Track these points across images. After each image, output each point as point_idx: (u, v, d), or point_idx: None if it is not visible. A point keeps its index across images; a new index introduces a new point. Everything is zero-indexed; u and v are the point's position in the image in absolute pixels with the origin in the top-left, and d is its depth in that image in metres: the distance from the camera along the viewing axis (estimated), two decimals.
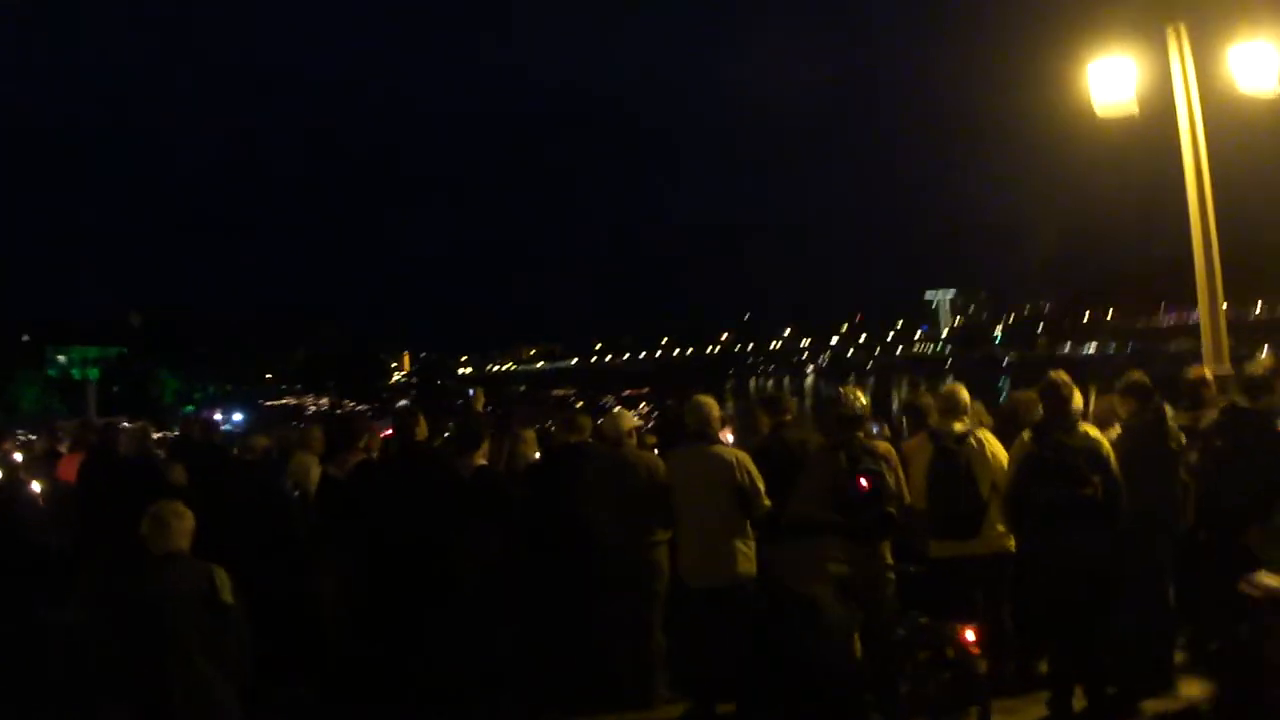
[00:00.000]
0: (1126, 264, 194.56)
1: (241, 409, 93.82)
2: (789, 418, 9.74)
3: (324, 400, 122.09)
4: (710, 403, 9.02)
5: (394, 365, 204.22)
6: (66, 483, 12.11)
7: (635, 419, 9.72)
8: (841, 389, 8.62)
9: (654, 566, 8.98)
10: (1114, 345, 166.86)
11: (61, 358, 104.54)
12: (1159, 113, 11.84)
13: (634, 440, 9.53)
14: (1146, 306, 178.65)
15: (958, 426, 8.86)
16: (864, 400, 8.45)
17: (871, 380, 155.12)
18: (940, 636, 7.64)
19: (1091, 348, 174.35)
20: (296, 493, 10.33)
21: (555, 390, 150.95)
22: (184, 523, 6.70)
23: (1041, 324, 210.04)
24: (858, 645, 7.96)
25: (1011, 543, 8.54)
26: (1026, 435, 8.25)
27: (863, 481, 7.99)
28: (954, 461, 8.61)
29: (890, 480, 8.17)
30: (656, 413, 32.17)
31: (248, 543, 8.92)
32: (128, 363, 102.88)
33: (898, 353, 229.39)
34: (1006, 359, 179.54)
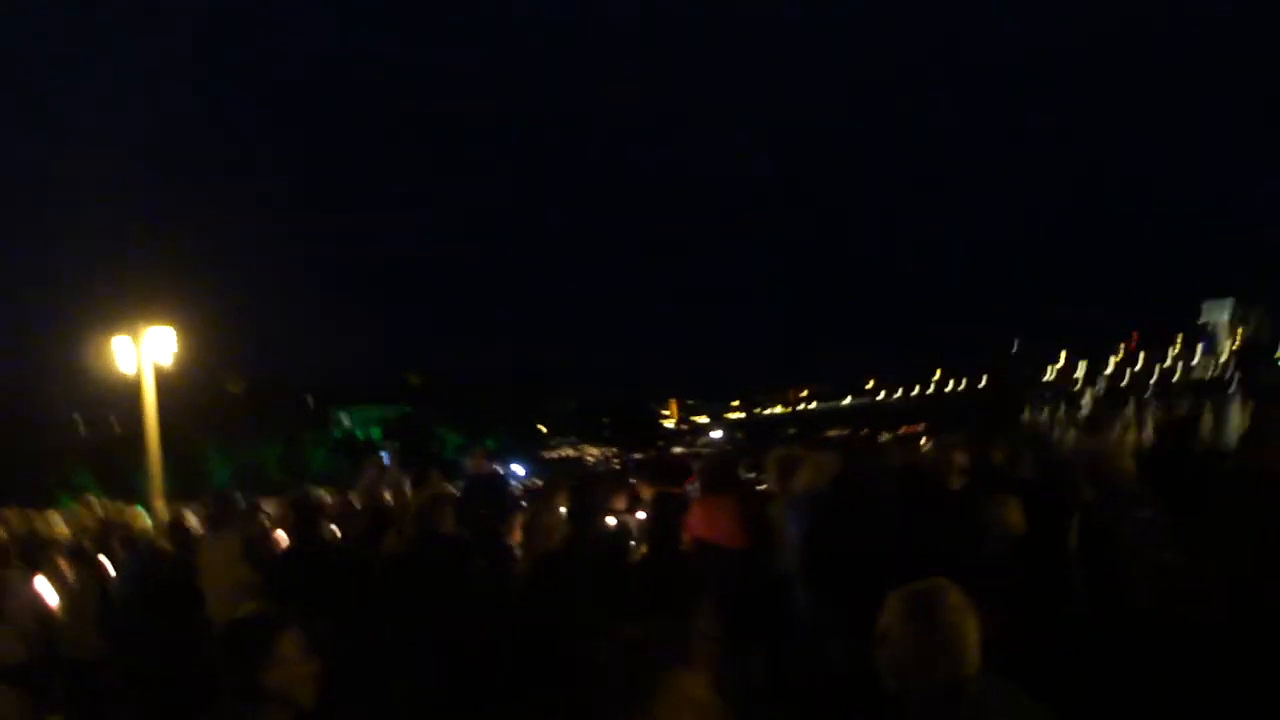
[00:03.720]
0: None
1: (522, 461, 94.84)
2: None
3: (605, 450, 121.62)
4: None
5: (664, 412, 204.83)
6: None
7: None
8: None
9: None
10: None
11: (346, 419, 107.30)
12: None
13: None
14: None
15: None
16: None
17: (1153, 405, 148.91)
18: None
19: None
20: None
21: (829, 431, 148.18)
22: None
23: None
24: None
25: None
26: None
27: None
28: None
29: None
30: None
31: None
32: (409, 421, 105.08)
33: (1175, 377, 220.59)
34: None
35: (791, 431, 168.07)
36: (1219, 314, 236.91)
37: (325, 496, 14.40)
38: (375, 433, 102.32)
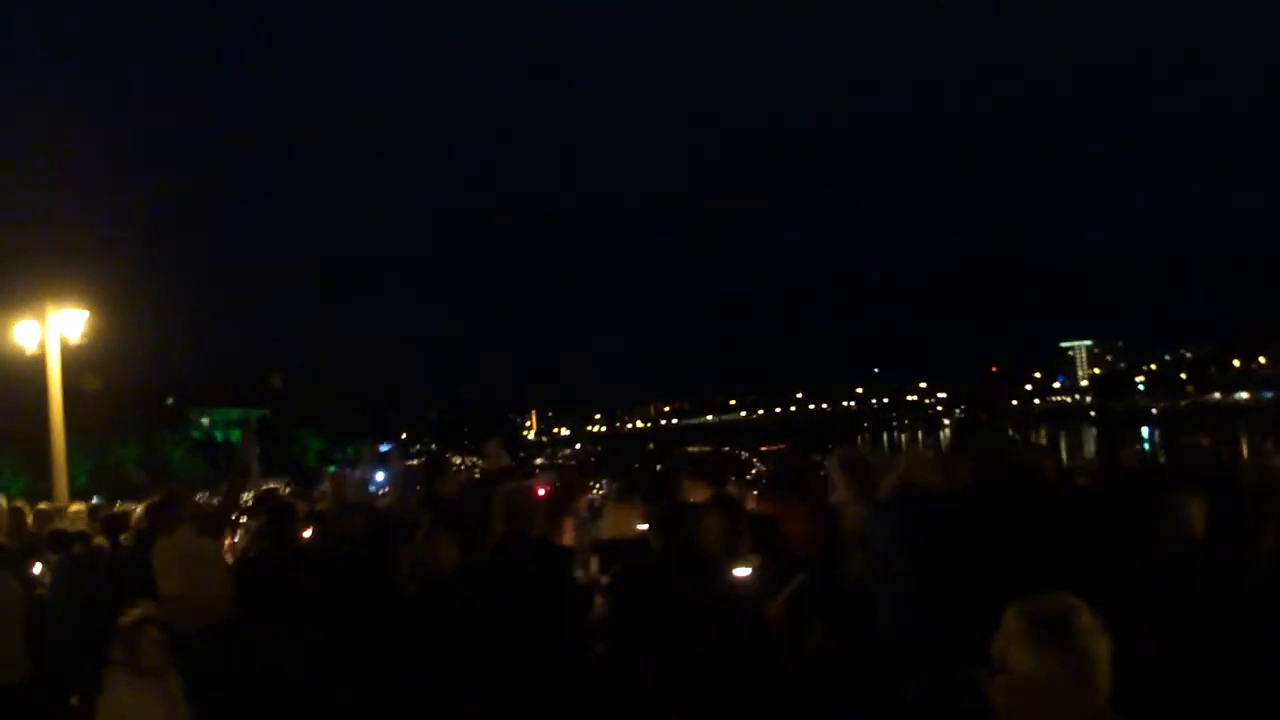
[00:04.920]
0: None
1: (382, 468, 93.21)
2: None
3: (467, 459, 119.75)
4: None
5: (525, 424, 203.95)
6: None
7: None
8: None
9: None
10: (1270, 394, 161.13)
11: (205, 420, 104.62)
12: None
13: None
14: None
15: None
16: None
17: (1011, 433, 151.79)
18: None
19: (1244, 396, 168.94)
20: None
21: (689, 447, 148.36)
22: None
23: (1186, 373, 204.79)
24: None
25: None
26: None
27: None
28: None
29: None
30: None
31: None
32: (270, 424, 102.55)
33: (1035, 403, 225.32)
34: (1154, 408, 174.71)
35: (650, 446, 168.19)
36: (1078, 349, 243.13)
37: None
38: (235, 435, 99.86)
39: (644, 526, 7.90)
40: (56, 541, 9.74)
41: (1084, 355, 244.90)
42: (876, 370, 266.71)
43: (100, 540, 10.00)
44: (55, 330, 19.59)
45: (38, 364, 20.52)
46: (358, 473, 13.50)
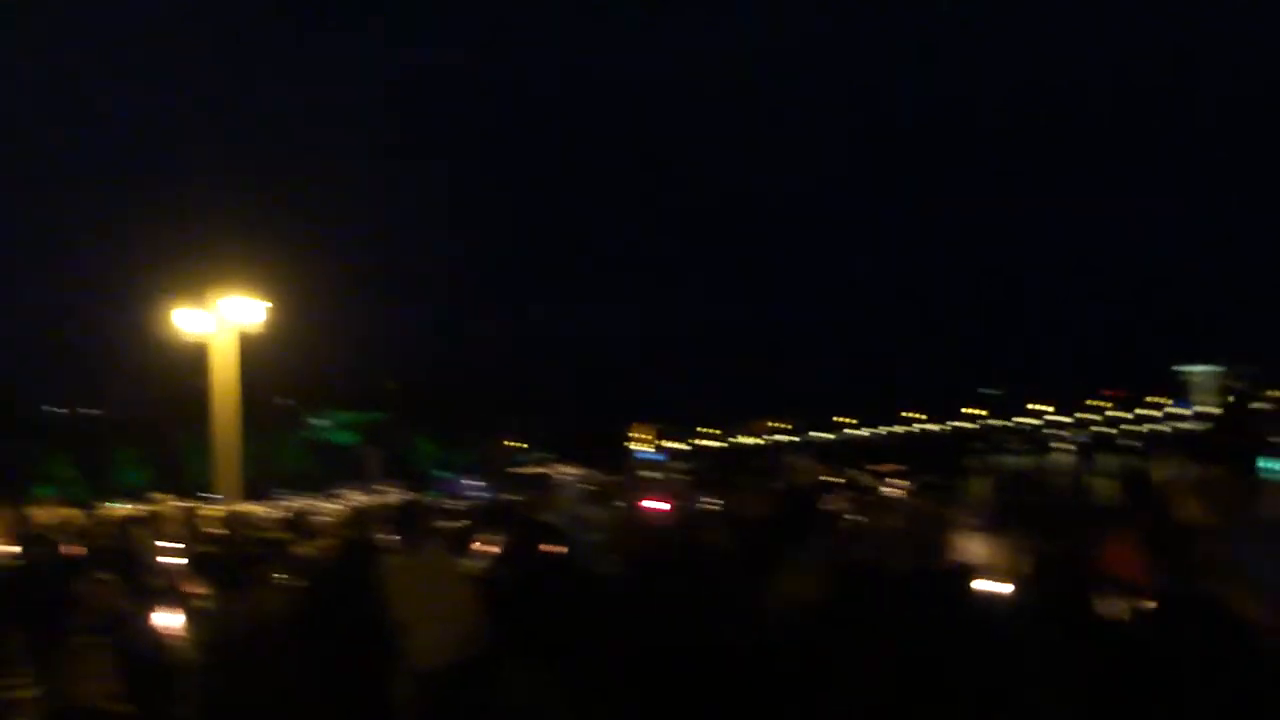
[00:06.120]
0: None
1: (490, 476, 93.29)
2: None
3: (579, 470, 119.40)
4: None
5: (642, 436, 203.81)
6: None
7: None
8: None
9: None
10: None
11: (320, 422, 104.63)
12: None
13: None
14: None
15: None
16: None
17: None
18: None
19: None
20: None
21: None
22: None
23: None
24: None
25: None
26: None
27: None
28: None
29: None
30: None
31: None
32: (387, 428, 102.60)
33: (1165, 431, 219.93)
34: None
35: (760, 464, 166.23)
36: (1201, 375, 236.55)
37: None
38: (345, 437, 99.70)
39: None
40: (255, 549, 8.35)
41: (1208, 381, 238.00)
42: (986, 391, 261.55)
43: (305, 549, 8.57)
44: (228, 319, 18.53)
45: (165, 355, 19.77)
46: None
